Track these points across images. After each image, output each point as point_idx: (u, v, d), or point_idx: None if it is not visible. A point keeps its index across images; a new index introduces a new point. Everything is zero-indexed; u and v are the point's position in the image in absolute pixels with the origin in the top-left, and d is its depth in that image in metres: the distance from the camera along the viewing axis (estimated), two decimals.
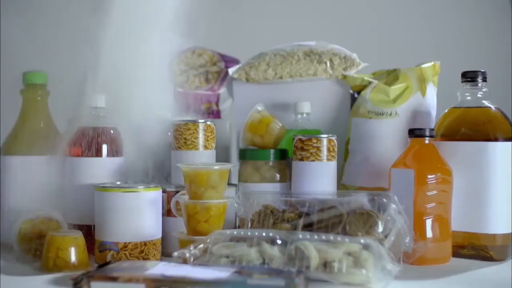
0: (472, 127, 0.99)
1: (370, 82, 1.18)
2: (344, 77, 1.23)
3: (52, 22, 2.32)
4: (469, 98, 1.02)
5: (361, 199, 0.89)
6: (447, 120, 1.03)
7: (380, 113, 1.14)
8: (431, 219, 0.95)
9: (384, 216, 0.86)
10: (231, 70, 1.32)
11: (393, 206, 0.88)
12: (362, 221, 0.86)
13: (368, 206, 0.88)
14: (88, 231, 0.99)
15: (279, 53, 1.28)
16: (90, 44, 1.02)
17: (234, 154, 1.39)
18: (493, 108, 1.01)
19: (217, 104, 1.50)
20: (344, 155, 1.19)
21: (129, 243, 0.93)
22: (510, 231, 0.98)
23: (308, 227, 0.90)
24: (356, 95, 1.25)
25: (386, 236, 0.85)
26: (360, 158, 1.16)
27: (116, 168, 1.04)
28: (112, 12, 1.03)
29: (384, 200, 0.88)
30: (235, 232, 0.85)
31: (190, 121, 1.08)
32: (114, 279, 0.73)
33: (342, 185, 1.17)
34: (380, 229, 0.86)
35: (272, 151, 1.12)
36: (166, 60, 1.11)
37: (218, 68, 1.48)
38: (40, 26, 2.32)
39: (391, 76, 1.18)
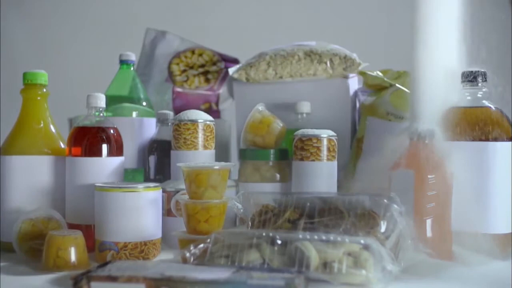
0: (472, 127, 0.99)
1: (391, 85, 1.18)
2: (363, 73, 1.22)
3: (53, 22, 2.33)
4: (469, 98, 1.02)
5: (363, 200, 0.89)
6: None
7: (400, 117, 1.14)
8: (431, 219, 0.95)
9: (386, 217, 0.86)
10: (231, 70, 1.32)
11: (395, 206, 0.87)
12: (363, 222, 0.86)
13: (370, 207, 0.88)
14: (88, 231, 0.99)
15: (279, 53, 1.28)
16: None
17: (234, 154, 1.39)
18: (493, 108, 1.01)
19: (216, 104, 1.50)
20: (355, 152, 1.18)
21: (129, 243, 0.94)
22: (510, 231, 0.98)
23: (308, 227, 0.90)
24: (358, 92, 1.25)
25: (387, 238, 0.85)
26: (375, 158, 1.15)
27: (116, 168, 1.04)
28: None
29: (385, 201, 0.88)
30: (235, 232, 0.85)
31: (190, 120, 1.08)
32: (114, 279, 0.73)
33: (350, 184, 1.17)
34: (382, 229, 0.85)
35: (272, 151, 1.12)
36: None
37: (218, 68, 1.48)
38: (40, 26, 2.32)
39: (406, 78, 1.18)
